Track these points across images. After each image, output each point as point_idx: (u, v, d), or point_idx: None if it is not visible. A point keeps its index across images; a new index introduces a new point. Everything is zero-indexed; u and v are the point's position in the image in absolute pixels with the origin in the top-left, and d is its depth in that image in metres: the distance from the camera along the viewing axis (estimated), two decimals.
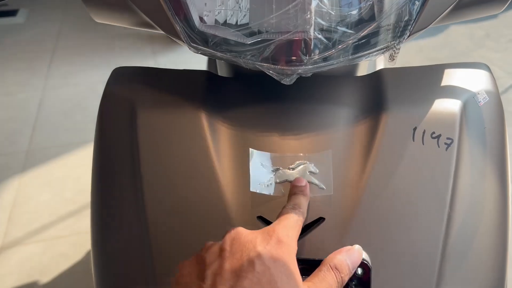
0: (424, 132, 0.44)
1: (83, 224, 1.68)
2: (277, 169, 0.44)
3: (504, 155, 0.48)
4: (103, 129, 0.56)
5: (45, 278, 1.49)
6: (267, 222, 0.42)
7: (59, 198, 1.80)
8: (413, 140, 0.44)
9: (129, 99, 0.53)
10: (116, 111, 0.55)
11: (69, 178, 1.91)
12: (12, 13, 3.43)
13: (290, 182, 0.42)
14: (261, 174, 0.43)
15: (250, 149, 0.44)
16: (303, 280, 0.35)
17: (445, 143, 0.44)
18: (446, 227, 0.42)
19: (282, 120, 0.47)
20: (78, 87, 2.56)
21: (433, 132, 0.44)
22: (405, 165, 0.43)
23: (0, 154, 2.06)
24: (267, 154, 0.44)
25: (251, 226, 0.39)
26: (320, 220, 0.41)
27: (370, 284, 0.38)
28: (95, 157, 0.57)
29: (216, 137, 0.46)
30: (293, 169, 0.43)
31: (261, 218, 0.43)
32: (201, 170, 0.45)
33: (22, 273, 1.51)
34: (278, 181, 0.43)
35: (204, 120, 0.47)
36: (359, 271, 0.37)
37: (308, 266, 0.37)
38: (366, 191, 0.42)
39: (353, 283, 0.37)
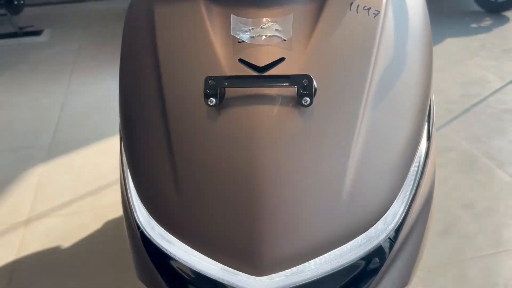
0: (358, 6, 0.64)
1: (101, 202, 1.87)
2: (252, 28, 0.62)
3: (424, 21, 0.67)
4: (128, 28, 0.74)
5: (66, 244, 1.67)
6: (246, 63, 0.60)
7: (79, 181, 2.00)
8: (350, 10, 0.63)
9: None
10: (139, 12, 0.73)
11: (88, 166, 2.12)
12: (37, 33, 3.79)
13: (262, 36, 0.61)
14: (240, 30, 0.62)
15: (232, 15, 0.63)
16: None
17: (373, 13, 0.63)
18: (373, 68, 0.60)
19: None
20: (97, 93, 2.81)
21: (365, 6, 0.64)
22: (343, 27, 0.62)
23: (26, 147, 2.29)
24: (244, 19, 0.63)
25: (234, 68, 0.57)
26: (281, 59, 0.60)
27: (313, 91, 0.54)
28: (122, 52, 0.74)
29: (212, 18, 0.65)
30: (263, 28, 0.62)
31: (241, 61, 0.61)
32: (199, 43, 0.64)
33: (46, 240, 1.69)
34: (253, 35, 0.62)
35: (203, 7, 0.66)
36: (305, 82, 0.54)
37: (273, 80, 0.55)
38: (316, 42, 0.61)
39: (301, 90, 0.54)
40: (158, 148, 0.59)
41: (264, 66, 0.58)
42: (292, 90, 0.55)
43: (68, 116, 2.56)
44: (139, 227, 0.61)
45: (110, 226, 1.74)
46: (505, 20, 3.49)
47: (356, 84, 0.58)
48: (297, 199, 0.51)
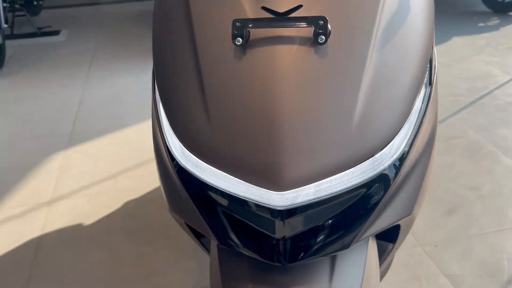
0: None
1: (120, 185, 1.96)
2: None
3: None
4: None
5: (87, 221, 1.76)
6: (268, 10, 0.64)
7: (98, 167, 2.10)
8: None
9: None
10: None
11: (107, 153, 2.22)
12: (55, 33, 3.93)
13: None
14: None
15: None
16: None
17: None
18: (381, 12, 0.66)
19: None
20: (114, 87, 2.92)
21: None
22: None
23: (47, 135, 2.39)
24: None
25: (258, 13, 0.64)
26: (299, 6, 0.65)
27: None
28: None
29: None
30: None
31: (264, 8, 0.65)
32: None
33: (68, 218, 1.78)
34: None
35: None
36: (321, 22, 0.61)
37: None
38: None
39: (317, 30, 0.59)
40: (189, 82, 0.67)
41: (284, 12, 0.65)
42: (309, 31, 0.61)
43: (86, 108, 2.67)
44: (172, 159, 0.67)
45: (129, 206, 1.83)
46: (510, 19, 3.58)
47: (366, 26, 0.65)
48: (313, 125, 0.58)
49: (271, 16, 0.64)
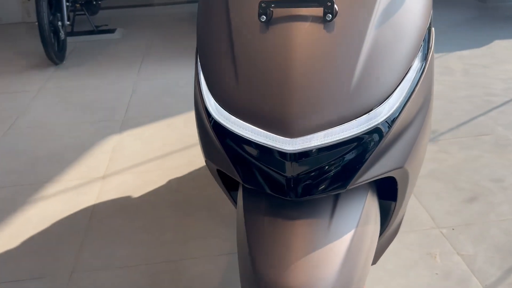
0: None
1: (167, 164, 2.18)
2: None
3: None
4: None
5: (136, 194, 1.99)
6: None
7: (148, 148, 2.34)
8: None
9: None
10: None
11: (156, 136, 2.46)
12: (111, 31, 4.29)
13: None
14: None
15: None
16: None
17: None
18: None
19: None
20: (164, 80, 3.19)
21: None
22: None
23: (104, 120, 2.67)
24: None
25: None
26: None
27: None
28: None
29: None
30: None
31: None
32: None
33: (119, 191, 2.01)
34: None
35: None
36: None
37: None
38: None
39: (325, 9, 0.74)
40: (223, 53, 0.83)
41: None
42: (320, 11, 0.76)
43: (138, 98, 2.94)
44: (208, 115, 0.84)
45: (173, 183, 2.04)
46: None
47: (367, 8, 0.79)
48: (318, 86, 0.73)
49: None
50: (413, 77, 0.81)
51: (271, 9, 0.78)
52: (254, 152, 0.77)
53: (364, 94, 0.74)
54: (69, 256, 1.64)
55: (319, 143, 0.72)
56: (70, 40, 3.88)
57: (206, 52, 0.90)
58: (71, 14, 4.14)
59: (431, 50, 0.89)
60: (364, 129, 0.74)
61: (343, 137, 0.73)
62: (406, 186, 0.90)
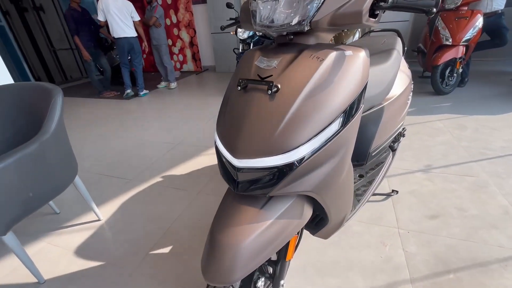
0: (313, 55, 1.10)
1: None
2: (266, 63, 1.16)
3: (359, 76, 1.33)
4: None
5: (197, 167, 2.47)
6: (259, 76, 1.15)
7: None
8: (309, 58, 1.10)
9: None
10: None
11: None
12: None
13: (268, 65, 1.14)
14: (262, 63, 1.18)
15: (260, 56, 1.20)
16: None
17: (320, 60, 1.10)
18: (311, 81, 1.07)
19: None
20: None
21: (318, 56, 1.10)
22: (302, 64, 1.10)
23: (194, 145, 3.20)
24: (264, 58, 1.18)
25: (254, 76, 1.16)
26: (270, 75, 1.13)
27: None
28: None
29: (257, 58, 1.21)
30: (269, 62, 1.16)
31: (258, 75, 1.16)
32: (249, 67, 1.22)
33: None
34: (265, 65, 1.16)
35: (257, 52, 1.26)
36: None
37: None
38: (285, 69, 1.11)
39: (271, 88, 1.10)
40: (224, 103, 1.26)
41: (263, 77, 1.14)
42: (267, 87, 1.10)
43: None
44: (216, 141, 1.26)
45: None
46: None
47: (298, 89, 1.07)
48: (257, 130, 1.08)
49: (257, 79, 1.16)
50: (326, 136, 1.10)
51: (243, 83, 1.20)
52: (223, 161, 1.24)
53: (284, 141, 1.07)
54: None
55: (252, 165, 1.11)
56: None
57: (223, 102, 1.36)
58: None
59: (352, 119, 1.15)
60: (281, 162, 1.09)
61: (268, 165, 1.09)
62: (324, 202, 1.29)
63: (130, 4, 5.25)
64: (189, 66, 8.21)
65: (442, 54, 4.14)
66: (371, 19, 1.09)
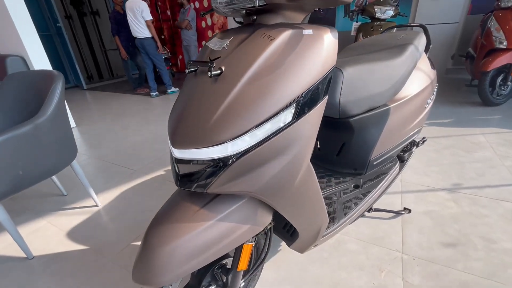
0: (264, 34, 0.98)
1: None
2: (219, 43, 1.06)
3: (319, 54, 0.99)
4: None
5: None
6: (209, 58, 1.03)
7: None
8: (260, 37, 0.97)
9: None
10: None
11: None
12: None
13: (220, 46, 1.05)
14: (215, 44, 1.08)
15: (216, 38, 1.12)
16: None
17: (271, 39, 0.96)
18: (256, 63, 0.94)
19: None
20: None
21: (269, 35, 0.98)
22: (252, 43, 0.98)
23: None
24: (218, 39, 1.09)
25: (204, 58, 1.08)
26: (219, 57, 1.02)
27: None
28: None
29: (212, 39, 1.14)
30: (221, 42, 1.06)
31: (208, 57, 1.06)
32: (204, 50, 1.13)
33: None
34: (217, 46, 1.07)
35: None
36: None
37: None
38: (234, 49, 1.00)
39: (212, 69, 0.97)
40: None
41: (211, 59, 1.01)
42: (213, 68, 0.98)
43: None
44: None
45: None
46: None
47: (241, 72, 0.94)
48: (194, 117, 0.97)
49: (204, 61, 1.04)
50: (272, 128, 0.95)
51: (190, 66, 1.06)
52: (171, 156, 1.11)
53: (220, 131, 0.94)
54: None
55: (189, 157, 0.99)
56: None
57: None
58: None
59: (309, 110, 0.99)
60: (216, 155, 0.96)
61: (203, 157, 0.97)
62: (279, 208, 1.10)
63: (142, 3, 5.10)
64: None
65: (493, 59, 3.56)
66: None
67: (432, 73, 1.84)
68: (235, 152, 0.95)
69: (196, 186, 1.02)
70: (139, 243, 1.92)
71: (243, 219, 1.08)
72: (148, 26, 5.22)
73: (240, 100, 0.93)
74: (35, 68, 3.51)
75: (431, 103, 1.87)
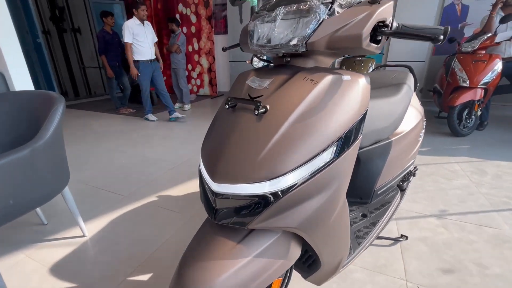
0: (307, 78, 1.00)
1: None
2: (258, 83, 1.06)
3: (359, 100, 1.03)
4: None
5: None
6: (249, 96, 1.06)
7: None
8: (303, 80, 0.99)
9: None
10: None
11: None
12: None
13: (260, 86, 1.05)
14: (254, 83, 1.08)
15: (253, 76, 1.11)
16: None
17: (314, 83, 0.98)
18: (301, 105, 0.96)
19: None
20: None
21: (312, 79, 0.99)
22: (295, 85, 0.99)
23: None
24: (257, 78, 1.09)
25: (244, 95, 1.07)
26: (260, 95, 1.03)
27: None
28: None
29: (250, 77, 1.13)
30: (261, 82, 1.06)
31: (248, 94, 1.08)
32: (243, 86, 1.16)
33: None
34: (257, 85, 1.06)
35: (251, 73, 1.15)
36: None
37: None
38: (277, 90, 1.01)
39: (258, 108, 0.97)
40: (212, 124, 1.15)
41: (253, 97, 1.03)
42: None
43: None
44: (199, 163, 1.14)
45: None
46: None
47: (288, 111, 0.95)
48: (240, 153, 0.96)
49: (246, 98, 1.04)
50: (317, 165, 0.96)
51: (231, 102, 1.07)
52: (204, 186, 1.08)
53: (268, 167, 0.94)
54: None
55: (231, 191, 0.97)
56: None
57: (212, 122, 1.20)
58: None
59: (348, 149, 1.01)
60: (263, 191, 0.95)
61: (248, 192, 0.96)
62: (313, 242, 1.09)
63: (125, 23, 4.95)
64: (206, 90, 8.27)
65: (459, 95, 3.93)
66: (372, 44, 0.99)
67: (421, 109, 1.97)
68: (283, 188, 0.94)
69: (235, 221, 0.99)
70: (136, 278, 1.77)
71: (277, 254, 1.05)
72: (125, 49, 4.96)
73: (287, 138, 0.94)
74: (15, 87, 3.20)
75: (422, 136, 1.96)
